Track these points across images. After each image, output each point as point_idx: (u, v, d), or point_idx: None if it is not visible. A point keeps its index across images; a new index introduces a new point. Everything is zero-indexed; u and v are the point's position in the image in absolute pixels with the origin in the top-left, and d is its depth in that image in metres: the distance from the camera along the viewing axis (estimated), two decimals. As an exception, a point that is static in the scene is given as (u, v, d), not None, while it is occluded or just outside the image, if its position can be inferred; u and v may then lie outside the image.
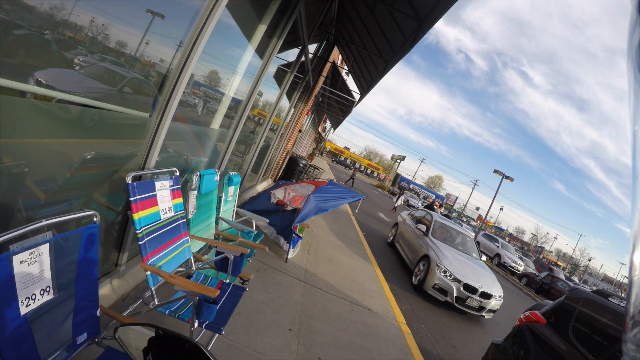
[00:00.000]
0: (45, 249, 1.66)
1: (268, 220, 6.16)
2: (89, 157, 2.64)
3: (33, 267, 1.61)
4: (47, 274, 1.70)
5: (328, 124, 33.71)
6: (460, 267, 8.65)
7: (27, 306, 1.60)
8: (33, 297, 1.63)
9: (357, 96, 13.24)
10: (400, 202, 25.97)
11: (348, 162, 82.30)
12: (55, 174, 2.42)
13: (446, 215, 24.23)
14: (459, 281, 8.19)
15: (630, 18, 0.53)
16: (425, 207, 19.07)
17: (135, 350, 1.05)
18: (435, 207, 20.34)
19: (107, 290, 3.14)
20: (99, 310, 2.13)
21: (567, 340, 3.73)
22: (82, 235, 1.90)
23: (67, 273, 1.86)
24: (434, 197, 56.06)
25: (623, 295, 4.12)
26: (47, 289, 1.72)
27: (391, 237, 12.87)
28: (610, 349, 3.36)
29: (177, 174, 3.29)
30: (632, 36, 0.53)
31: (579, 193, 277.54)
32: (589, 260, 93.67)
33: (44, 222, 1.67)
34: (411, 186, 76.66)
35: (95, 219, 1.99)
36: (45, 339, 1.75)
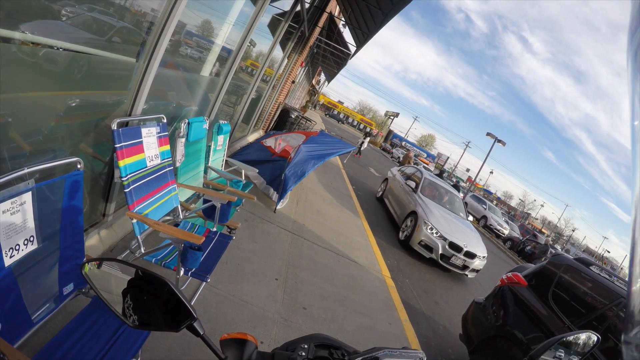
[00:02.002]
0: (27, 197, 1.62)
1: (258, 170, 6.14)
2: (74, 104, 2.56)
3: (16, 216, 1.57)
4: (31, 223, 1.66)
5: (322, 77, 33.14)
6: (447, 226, 8.79)
7: (11, 257, 1.57)
8: (17, 247, 1.60)
9: (353, 49, 12.93)
10: (365, 145, 26.28)
11: (341, 116, 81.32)
12: (40, 125, 2.34)
13: (439, 175, 24.38)
14: (444, 239, 8.34)
15: (630, 18, 0.52)
16: (402, 160, 19.05)
17: (117, 297, 1.05)
18: (410, 158, 20.21)
19: (95, 241, 3.14)
20: (85, 260, 2.13)
21: (546, 303, 3.85)
22: (65, 182, 1.86)
23: (52, 222, 1.82)
24: (411, 150, 55.54)
25: (604, 266, 4.24)
26: (31, 238, 1.68)
27: (380, 192, 12.96)
28: (587, 316, 3.48)
29: (165, 120, 3.22)
30: (633, 36, 0.50)
31: (568, 163, 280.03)
32: (573, 231, 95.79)
33: (26, 170, 1.62)
34: (403, 143, 76.52)
35: (79, 166, 1.94)
36: (31, 290, 1.74)
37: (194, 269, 2.75)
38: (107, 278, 1.15)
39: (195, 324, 0.97)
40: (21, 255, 1.64)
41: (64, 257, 1.95)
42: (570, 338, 1.28)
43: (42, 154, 2.41)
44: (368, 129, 67.32)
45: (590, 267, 3.91)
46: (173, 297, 0.98)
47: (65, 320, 1.87)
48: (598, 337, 1.30)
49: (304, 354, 1.19)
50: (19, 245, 1.61)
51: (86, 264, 1.07)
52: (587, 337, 1.30)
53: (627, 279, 0.53)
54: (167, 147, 3.25)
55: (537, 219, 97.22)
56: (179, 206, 3.55)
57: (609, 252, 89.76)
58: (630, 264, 0.49)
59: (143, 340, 1.92)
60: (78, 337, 1.76)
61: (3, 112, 1.96)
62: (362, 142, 25.78)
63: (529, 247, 21.88)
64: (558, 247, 44.68)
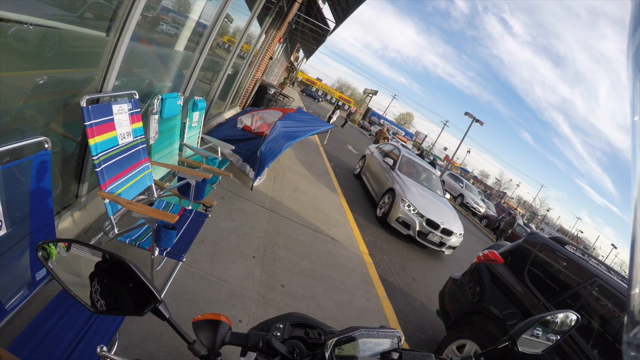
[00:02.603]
0: (-8, 179, 1.56)
1: (234, 148, 6.08)
2: (42, 82, 2.46)
3: (-19, 200, 1.52)
4: (-3, 206, 1.61)
5: (301, 54, 32.74)
6: (424, 203, 8.90)
7: (-22, 243, 1.52)
8: (-16, 233, 1.55)
9: (332, 25, 12.77)
10: (335, 117, 26.71)
11: (319, 93, 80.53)
12: (8, 105, 2.24)
13: (420, 155, 24.52)
14: (422, 216, 8.45)
15: (630, 18, 0.51)
16: (376, 135, 19.05)
17: (82, 280, 1.02)
18: (384, 134, 20.18)
19: (69, 223, 3.06)
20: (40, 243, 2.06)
21: (521, 281, 3.95)
22: (32, 163, 1.79)
23: (20, 205, 1.76)
24: (385, 126, 55.14)
25: (579, 244, 4.34)
26: (-1, 223, 1.63)
27: (358, 170, 13.01)
28: (561, 294, 3.58)
29: (137, 97, 3.12)
30: (633, 36, 0.50)
31: (544, 145, 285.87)
32: (547, 211, 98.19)
33: (-11, 152, 1.56)
34: (382, 121, 76.54)
35: (46, 145, 1.87)
36: (2, 277, 1.69)
37: (168, 249, 2.72)
38: (74, 262, 1.12)
39: (160, 307, 0.95)
40: (-11, 240, 1.58)
41: (35, 241, 1.89)
42: (550, 317, 1.31)
43: (10, 136, 2.32)
44: (340, 103, 66.95)
45: (565, 247, 4.00)
46: (138, 280, 0.95)
47: (40, 307, 1.83)
48: (578, 317, 1.33)
49: (279, 334, 1.19)
50: (-15, 230, 1.56)
51: (40, 247, 1.04)
52: (566, 317, 1.33)
53: (627, 278, 0.53)
54: (140, 125, 3.16)
55: (512, 198, 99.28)
56: (153, 185, 3.49)
57: (582, 232, 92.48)
58: (630, 264, 0.49)
59: (119, 324, 1.90)
60: (52, 324, 1.72)
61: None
62: (331, 116, 25.96)
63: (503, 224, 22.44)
64: (533, 226, 45.82)
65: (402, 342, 1.14)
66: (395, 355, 1.13)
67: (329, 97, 78.38)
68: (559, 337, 1.32)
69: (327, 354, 1.04)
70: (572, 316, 1.32)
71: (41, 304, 1.87)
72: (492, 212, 28.28)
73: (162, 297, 0.96)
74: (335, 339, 1.06)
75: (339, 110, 29.76)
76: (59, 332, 1.69)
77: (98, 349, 0.97)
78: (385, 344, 1.12)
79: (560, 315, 1.32)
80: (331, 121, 26.05)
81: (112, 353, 1.01)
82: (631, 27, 0.50)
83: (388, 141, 17.46)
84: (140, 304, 0.96)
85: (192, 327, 1.05)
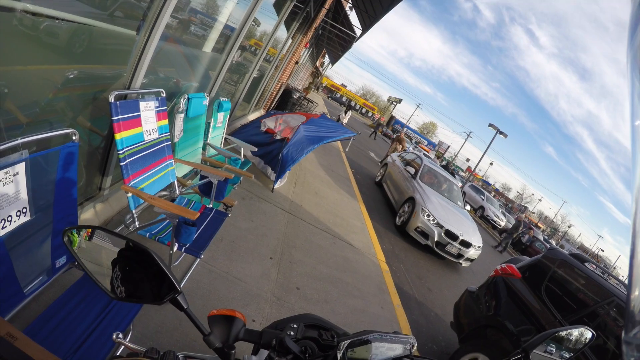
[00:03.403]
0: (20, 168, 1.60)
1: (257, 149, 6.14)
2: (72, 77, 2.53)
3: (8, 187, 1.56)
4: (24, 194, 1.65)
5: (326, 60, 32.76)
6: (444, 213, 8.79)
7: (3, 228, 1.56)
8: (9, 218, 1.59)
9: (358, 32, 12.78)
10: (346, 119, 25.50)
11: (344, 99, 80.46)
12: (38, 97, 2.32)
13: (444, 167, 24.02)
14: (441, 226, 8.35)
15: (630, 18, 0.51)
16: (393, 141, 18.41)
17: (105, 268, 1.05)
18: (402, 141, 18.82)
19: (90, 215, 3.13)
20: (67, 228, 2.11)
21: (539, 297, 3.86)
22: (60, 154, 1.85)
23: (45, 194, 1.81)
24: (404, 130, 53.92)
25: (598, 263, 4.22)
26: (24, 210, 1.67)
27: (379, 177, 12.95)
28: (579, 312, 3.49)
29: (164, 95, 3.19)
30: (633, 36, 0.50)
31: (568, 160, 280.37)
32: (569, 227, 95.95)
33: (20, 140, 1.61)
34: (405, 130, 76.16)
35: (74, 137, 1.93)
36: (23, 262, 1.73)
37: (187, 245, 2.76)
38: (97, 249, 1.15)
39: (179, 298, 0.97)
40: (13, 226, 1.63)
41: (57, 229, 1.94)
42: (565, 333, 1.28)
43: (39, 127, 2.39)
44: (351, 102, 66.42)
45: (585, 264, 3.91)
46: (159, 270, 0.97)
47: (57, 293, 1.87)
48: (593, 334, 1.30)
49: (292, 333, 1.19)
50: (11, 216, 1.61)
51: (67, 232, 1.07)
52: (581, 333, 1.30)
53: (627, 278, 0.53)
54: (166, 122, 3.23)
55: (534, 212, 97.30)
56: (176, 182, 3.55)
57: (602, 250, 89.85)
58: (630, 263, 0.48)
59: (135, 314, 1.93)
60: (69, 310, 1.76)
61: (1, 83, 1.93)
62: (340, 116, 25.01)
63: (526, 237, 22.03)
64: (553, 242, 44.75)
65: (414, 349, 1.14)
66: None
67: (353, 104, 78.17)
68: (571, 355, 1.29)
69: (339, 355, 1.04)
70: (588, 333, 1.29)
71: (59, 291, 1.91)
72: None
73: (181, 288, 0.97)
74: (349, 341, 1.06)
75: (350, 111, 28.07)
76: (75, 319, 1.73)
77: (114, 336, 1.00)
78: (397, 349, 1.11)
79: (575, 332, 1.29)
80: (342, 123, 25.28)
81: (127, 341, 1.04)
82: (631, 27, 0.50)
83: (403, 147, 17.00)
84: (159, 293, 0.98)
85: (207, 321, 1.07)
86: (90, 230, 1.23)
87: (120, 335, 0.99)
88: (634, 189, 0.49)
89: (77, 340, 1.63)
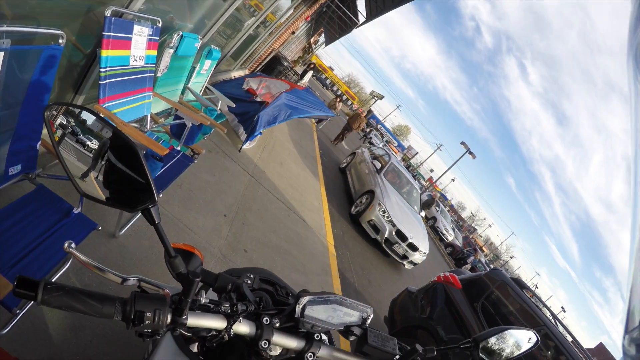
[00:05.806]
0: (-1, 56, 1.50)
1: (234, 105, 6.01)
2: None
3: (-18, 72, 1.46)
4: (-5, 85, 1.54)
5: (321, 39, 32.21)
6: (399, 213, 8.95)
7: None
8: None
9: (361, 19, 12.68)
10: (305, 80, 23.80)
11: (327, 82, 79.54)
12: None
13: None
14: (393, 225, 8.51)
15: (630, 18, 0.52)
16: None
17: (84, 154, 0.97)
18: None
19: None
20: (39, 144, 1.99)
21: (474, 310, 4.00)
22: (42, 54, 1.72)
23: (16, 92, 1.69)
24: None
25: (535, 291, 4.41)
26: (-9, 101, 1.57)
27: (345, 164, 12.99)
28: None
29: (160, 24, 3.05)
30: (633, 36, 0.50)
31: (525, 195, 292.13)
32: (511, 257, 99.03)
33: (5, 28, 1.49)
34: (379, 126, 76.44)
35: (60, 41, 1.81)
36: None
37: (149, 181, 2.68)
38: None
39: (153, 210, 0.88)
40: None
41: (19, 134, 1.82)
42: (514, 331, 1.35)
43: (25, 22, 2.23)
44: (344, 97, 66.21)
45: (524, 290, 4.07)
46: (140, 173, 0.90)
47: (2, 204, 1.76)
48: (538, 339, 1.37)
49: (249, 282, 1.18)
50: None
51: (50, 107, 0.99)
52: (529, 336, 1.37)
53: (627, 277, 0.54)
54: (154, 53, 3.10)
55: (481, 236, 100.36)
56: (149, 116, 3.43)
57: (537, 287, 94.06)
58: (630, 263, 0.49)
59: (89, 232, 1.87)
60: (19, 218, 1.68)
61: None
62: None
63: (471, 258, 23.00)
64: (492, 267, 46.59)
65: (369, 320, 1.14)
66: (359, 331, 1.13)
67: (335, 88, 77.70)
68: (516, 355, 1.36)
69: (298, 309, 1.03)
70: (534, 338, 1.37)
71: (4, 202, 1.79)
72: (459, 243, 28.69)
73: (158, 200, 0.89)
74: (310, 297, 1.05)
75: (311, 72, 24.09)
76: (24, 228, 1.66)
77: (66, 244, 0.90)
78: (354, 316, 1.12)
79: (525, 332, 1.36)
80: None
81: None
82: (631, 27, 0.51)
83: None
84: (134, 200, 0.89)
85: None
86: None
87: (73, 245, 0.90)
88: (634, 188, 0.50)
89: (25, 248, 1.56)
